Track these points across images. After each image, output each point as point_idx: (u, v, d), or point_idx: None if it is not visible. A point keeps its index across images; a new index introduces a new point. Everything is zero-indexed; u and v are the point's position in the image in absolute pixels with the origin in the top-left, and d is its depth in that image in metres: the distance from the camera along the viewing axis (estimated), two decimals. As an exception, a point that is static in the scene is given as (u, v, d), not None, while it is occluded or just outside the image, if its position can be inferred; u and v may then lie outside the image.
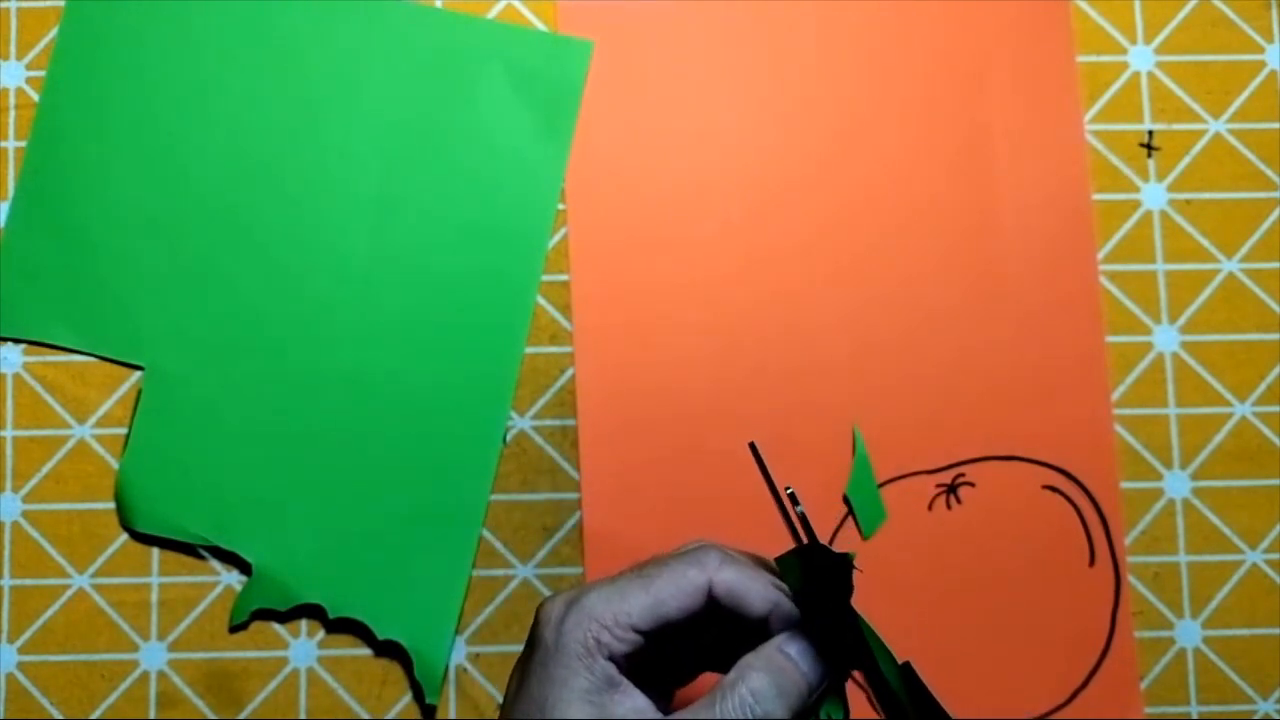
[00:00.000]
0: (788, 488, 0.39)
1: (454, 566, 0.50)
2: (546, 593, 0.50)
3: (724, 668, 0.38)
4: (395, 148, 0.52)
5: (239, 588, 0.50)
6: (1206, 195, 0.53)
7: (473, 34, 0.53)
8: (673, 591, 0.37)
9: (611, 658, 0.37)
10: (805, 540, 0.38)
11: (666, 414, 0.51)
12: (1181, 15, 0.54)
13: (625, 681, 0.37)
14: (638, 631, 0.37)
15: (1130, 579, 0.50)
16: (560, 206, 0.52)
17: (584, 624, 0.37)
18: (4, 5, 0.53)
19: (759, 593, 0.38)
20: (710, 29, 0.53)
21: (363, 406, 0.51)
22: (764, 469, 0.39)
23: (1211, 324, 0.52)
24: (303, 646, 0.50)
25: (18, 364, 0.51)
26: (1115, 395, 0.51)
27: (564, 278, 0.52)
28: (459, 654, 0.50)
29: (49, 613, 0.50)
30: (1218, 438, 0.51)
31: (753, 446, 0.39)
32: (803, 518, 0.39)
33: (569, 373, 0.51)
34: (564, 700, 0.36)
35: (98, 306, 0.51)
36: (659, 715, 0.37)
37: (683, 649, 0.39)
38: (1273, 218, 0.53)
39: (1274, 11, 0.54)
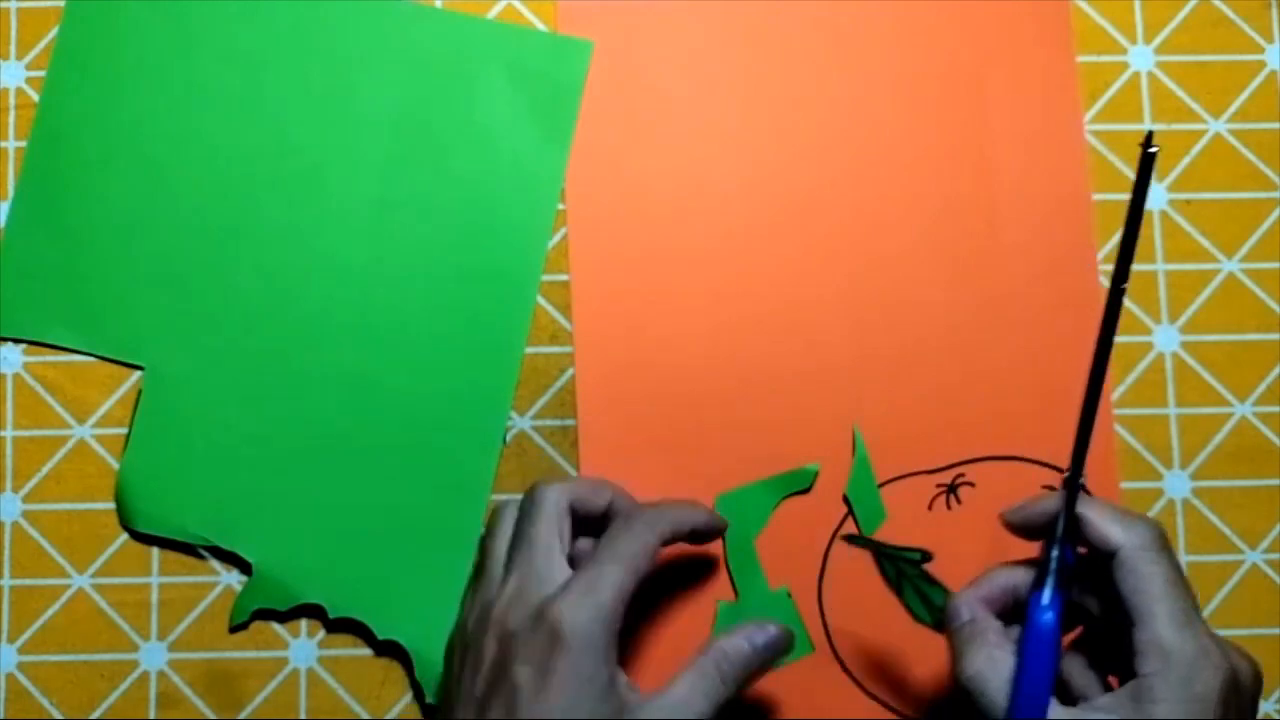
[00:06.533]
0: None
1: (454, 566, 0.50)
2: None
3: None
4: (395, 148, 0.52)
5: (239, 588, 0.50)
6: (1206, 195, 0.53)
7: (473, 34, 0.53)
8: (623, 542, 0.44)
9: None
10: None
11: (666, 414, 0.51)
12: (1181, 15, 0.54)
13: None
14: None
15: (1130, 579, 0.50)
16: (560, 206, 0.52)
17: (605, 621, 0.42)
18: (4, 5, 0.53)
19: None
20: (710, 29, 0.53)
21: (362, 406, 0.51)
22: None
23: (1211, 324, 0.52)
24: (303, 646, 0.50)
25: (18, 364, 0.51)
26: (1115, 395, 0.51)
27: (564, 278, 0.52)
28: (459, 654, 0.50)
29: (49, 613, 0.50)
30: (1218, 438, 0.51)
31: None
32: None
33: (569, 373, 0.51)
34: (590, 697, 0.41)
35: (98, 306, 0.51)
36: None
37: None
38: (1273, 218, 0.53)
39: (1274, 11, 0.54)
